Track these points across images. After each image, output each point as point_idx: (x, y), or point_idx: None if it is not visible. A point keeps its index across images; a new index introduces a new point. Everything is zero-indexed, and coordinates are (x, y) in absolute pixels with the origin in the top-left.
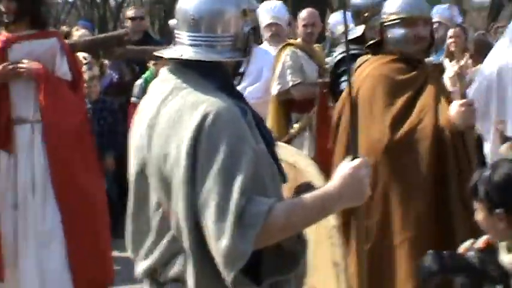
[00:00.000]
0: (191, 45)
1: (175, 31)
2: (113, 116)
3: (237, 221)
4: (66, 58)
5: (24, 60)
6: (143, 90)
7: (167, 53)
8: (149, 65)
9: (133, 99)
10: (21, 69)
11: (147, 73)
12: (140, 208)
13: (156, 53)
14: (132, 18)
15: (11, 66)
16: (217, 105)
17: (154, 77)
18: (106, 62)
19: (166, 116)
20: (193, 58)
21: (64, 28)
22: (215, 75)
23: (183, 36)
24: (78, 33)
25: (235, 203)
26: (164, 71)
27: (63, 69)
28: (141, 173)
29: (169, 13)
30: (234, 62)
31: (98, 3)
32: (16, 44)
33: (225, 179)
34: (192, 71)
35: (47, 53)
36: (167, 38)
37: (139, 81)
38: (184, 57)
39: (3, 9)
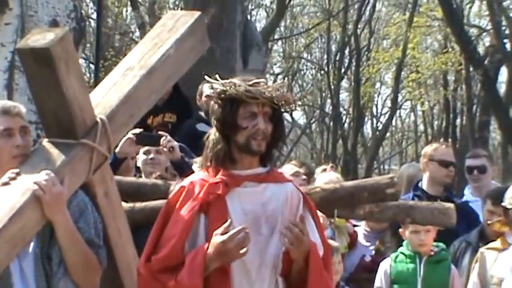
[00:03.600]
0: None
1: None
2: None
3: None
4: (312, 219)
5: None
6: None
7: None
8: None
9: None
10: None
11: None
12: None
13: None
14: None
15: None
16: None
17: None
18: None
19: None
20: None
21: None
22: None
23: None
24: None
25: None
26: None
27: (313, 237)
28: None
29: None
30: None
31: None
32: (241, 189)
33: None
34: None
35: (285, 207)
36: None
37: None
38: None
39: (259, 137)
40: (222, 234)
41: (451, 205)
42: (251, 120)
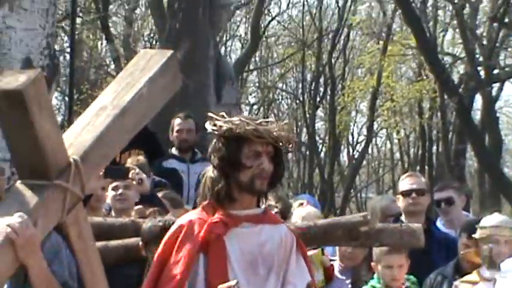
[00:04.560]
0: None
1: None
2: None
3: None
4: (304, 261)
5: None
6: None
7: None
8: None
9: None
10: None
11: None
12: None
13: None
14: None
15: None
16: None
17: None
18: None
19: None
20: None
21: None
22: None
23: None
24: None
25: None
26: None
27: (304, 280)
28: None
29: None
30: None
31: None
32: (239, 229)
33: None
34: None
35: (280, 248)
36: None
37: None
38: None
39: (263, 175)
40: None
41: (418, 225)
42: (255, 160)
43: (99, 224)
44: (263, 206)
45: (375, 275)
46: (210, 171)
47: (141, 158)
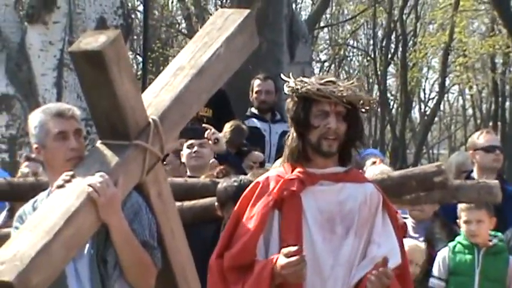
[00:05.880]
0: None
1: None
2: None
3: None
4: (391, 223)
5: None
6: None
7: None
8: None
9: None
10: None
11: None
12: None
13: None
14: None
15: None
16: None
17: None
18: None
19: None
20: None
21: None
22: None
23: None
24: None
25: None
26: None
27: (388, 243)
28: None
29: None
30: None
31: None
32: (316, 187)
33: None
34: None
35: (363, 210)
36: None
37: None
38: None
39: (330, 137)
40: (287, 256)
41: (496, 182)
42: (323, 119)
43: (181, 185)
44: (347, 166)
45: (461, 229)
46: (290, 131)
47: (238, 123)
